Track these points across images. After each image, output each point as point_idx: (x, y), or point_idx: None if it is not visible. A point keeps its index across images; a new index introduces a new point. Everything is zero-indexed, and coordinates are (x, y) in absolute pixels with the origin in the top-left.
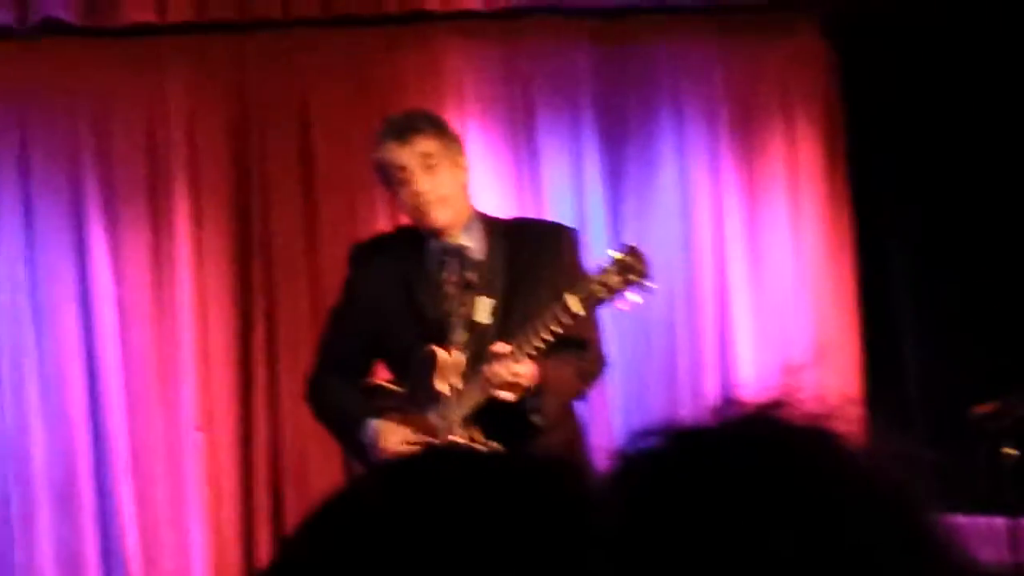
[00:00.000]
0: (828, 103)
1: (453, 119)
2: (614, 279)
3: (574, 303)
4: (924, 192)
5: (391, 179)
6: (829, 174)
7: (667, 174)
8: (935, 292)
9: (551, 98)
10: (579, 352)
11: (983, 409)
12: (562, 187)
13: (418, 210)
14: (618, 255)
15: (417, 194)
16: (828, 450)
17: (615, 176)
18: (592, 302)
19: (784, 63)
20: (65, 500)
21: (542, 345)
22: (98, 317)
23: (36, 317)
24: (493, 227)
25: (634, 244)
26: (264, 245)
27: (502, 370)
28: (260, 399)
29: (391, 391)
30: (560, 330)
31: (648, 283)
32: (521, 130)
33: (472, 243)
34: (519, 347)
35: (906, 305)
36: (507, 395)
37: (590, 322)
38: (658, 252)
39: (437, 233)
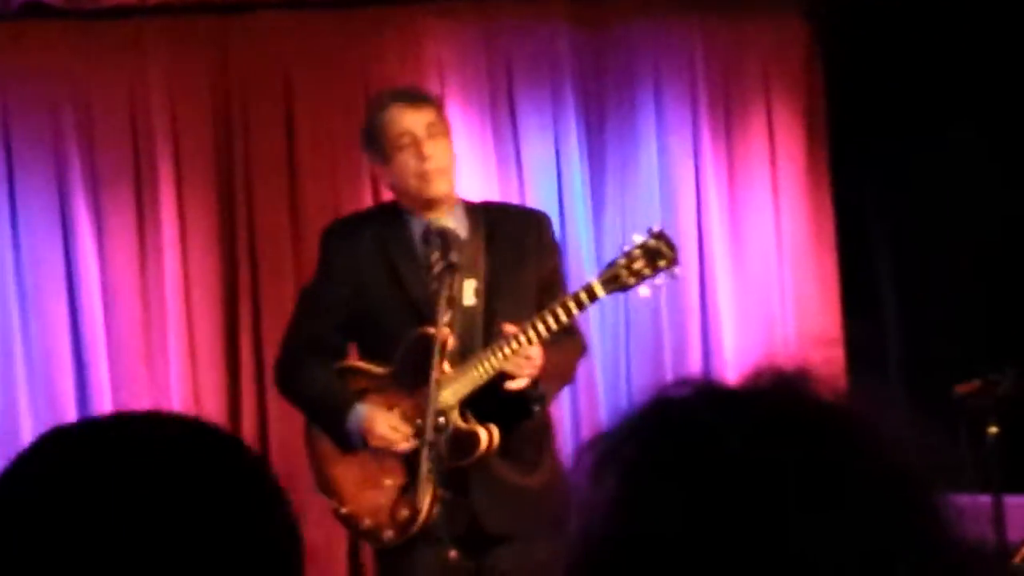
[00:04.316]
0: (809, 84)
1: None
2: (639, 264)
3: (599, 288)
4: (906, 173)
5: (391, 144)
6: (810, 155)
7: (647, 154)
8: (917, 272)
9: (531, 78)
10: (569, 337)
11: (966, 388)
12: (542, 167)
13: (421, 177)
14: (644, 239)
15: (424, 158)
16: (857, 424)
17: (595, 156)
18: (617, 287)
19: (765, 44)
20: None
21: (556, 328)
22: (84, 301)
23: (22, 301)
24: (472, 211)
25: (661, 229)
26: (249, 227)
27: (518, 355)
28: (247, 382)
29: (369, 372)
30: (578, 313)
31: (676, 269)
32: (501, 110)
33: (455, 225)
34: (532, 331)
35: (888, 286)
36: (520, 382)
37: None
38: (638, 232)
39: (423, 210)
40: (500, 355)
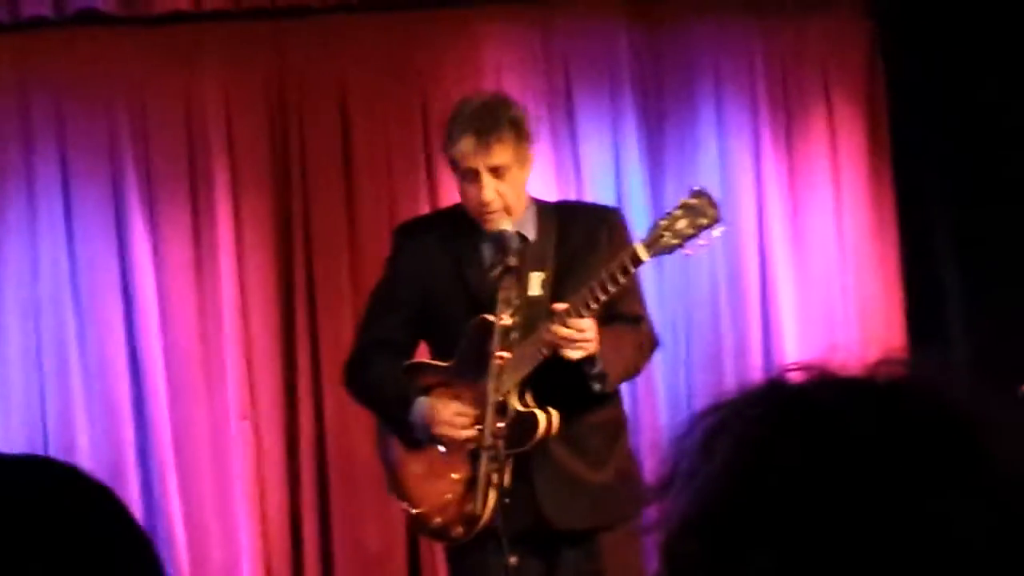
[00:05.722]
0: (870, 80)
1: None
2: (682, 224)
3: (642, 251)
4: (969, 171)
5: (457, 172)
6: (871, 152)
7: (707, 155)
8: (981, 272)
9: (590, 81)
10: (634, 326)
11: None
12: (602, 170)
13: (479, 213)
14: (686, 200)
15: (483, 203)
16: (979, 422)
17: (655, 158)
18: (661, 249)
19: (825, 41)
20: None
21: (605, 299)
22: (140, 306)
23: (77, 308)
24: (543, 210)
25: (702, 187)
26: (305, 232)
27: (564, 328)
28: (304, 385)
29: (436, 366)
30: (624, 280)
31: (719, 226)
32: (560, 114)
33: (525, 227)
34: (581, 304)
35: (953, 286)
36: (573, 353)
37: (638, 298)
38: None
39: None
40: (552, 331)
